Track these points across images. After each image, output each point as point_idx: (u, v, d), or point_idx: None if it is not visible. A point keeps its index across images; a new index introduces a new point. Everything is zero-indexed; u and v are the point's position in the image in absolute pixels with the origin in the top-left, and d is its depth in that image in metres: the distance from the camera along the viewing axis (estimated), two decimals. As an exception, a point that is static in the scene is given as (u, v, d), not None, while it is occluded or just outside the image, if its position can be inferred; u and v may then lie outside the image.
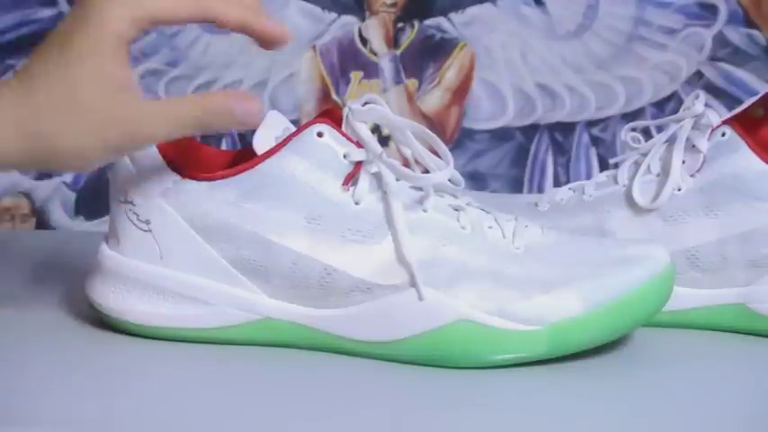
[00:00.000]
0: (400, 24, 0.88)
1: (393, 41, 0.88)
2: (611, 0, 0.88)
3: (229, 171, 0.50)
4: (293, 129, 0.51)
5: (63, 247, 0.77)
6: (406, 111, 0.87)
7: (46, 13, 0.91)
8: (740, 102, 0.71)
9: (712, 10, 0.88)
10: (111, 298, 0.52)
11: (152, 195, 0.51)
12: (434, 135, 0.51)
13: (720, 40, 0.88)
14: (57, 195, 0.89)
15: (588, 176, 0.88)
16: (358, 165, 0.50)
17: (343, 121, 0.50)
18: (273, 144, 0.50)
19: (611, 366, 0.51)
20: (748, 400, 0.47)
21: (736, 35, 0.88)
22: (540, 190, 0.89)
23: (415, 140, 0.51)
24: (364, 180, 0.50)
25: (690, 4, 0.88)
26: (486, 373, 0.48)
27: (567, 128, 0.89)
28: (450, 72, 0.88)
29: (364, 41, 0.88)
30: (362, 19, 0.88)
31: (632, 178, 0.59)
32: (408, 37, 0.88)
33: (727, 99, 0.87)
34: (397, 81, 0.88)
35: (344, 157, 0.50)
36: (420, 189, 0.51)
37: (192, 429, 0.41)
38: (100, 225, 0.91)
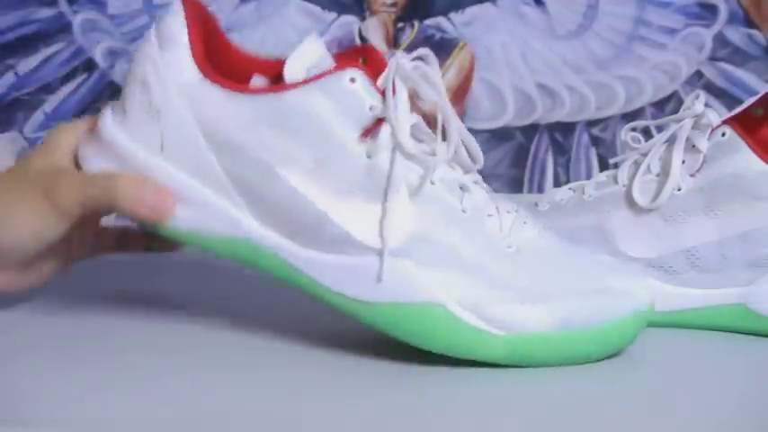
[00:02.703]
0: (400, 24, 0.88)
1: (393, 41, 0.88)
2: (611, 0, 0.89)
3: (253, 89, 0.49)
4: (329, 62, 0.49)
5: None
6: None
7: (46, 12, 0.91)
8: (740, 102, 0.71)
9: (712, 10, 0.88)
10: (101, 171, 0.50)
11: (170, 86, 0.49)
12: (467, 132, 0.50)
13: (720, 40, 0.88)
14: (57, 195, 0.89)
15: (588, 176, 0.88)
16: (380, 120, 0.48)
17: (386, 70, 0.49)
18: (304, 75, 0.49)
19: (610, 366, 0.51)
20: (748, 400, 0.47)
21: (737, 35, 0.88)
22: (540, 190, 0.89)
23: (454, 115, 0.49)
24: (383, 136, 0.48)
25: (690, 4, 0.88)
26: (485, 374, 0.48)
27: (567, 128, 0.89)
28: (450, 72, 0.88)
29: (364, 41, 0.88)
30: (362, 19, 0.88)
31: (632, 178, 0.59)
32: (408, 37, 0.88)
33: (727, 99, 0.87)
34: (397, 81, 0.88)
35: (370, 109, 0.48)
36: (433, 155, 0.49)
37: (192, 429, 0.41)
38: (100, 225, 0.91)
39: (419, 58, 0.49)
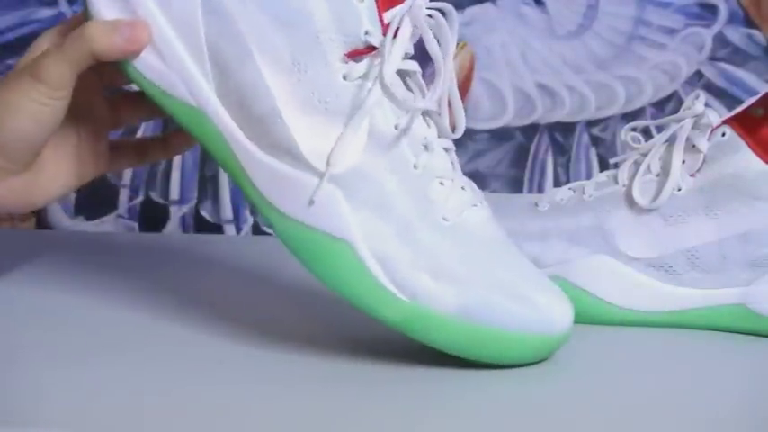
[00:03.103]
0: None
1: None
2: (611, 0, 0.89)
3: None
4: None
5: (63, 247, 0.77)
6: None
7: (46, 13, 0.91)
8: (740, 102, 0.71)
9: (712, 10, 0.88)
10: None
11: None
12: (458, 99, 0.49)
13: (720, 40, 0.88)
14: (57, 195, 0.89)
15: (588, 176, 0.88)
16: (370, 48, 0.48)
17: (399, 6, 0.48)
18: None
19: (610, 366, 0.51)
20: (748, 400, 0.47)
21: (736, 35, 0.88)
22: (540, 190, 0.89)
23: (452, 73, 0.49)
24: (366, 65, 0.48)
25: (690, 4, 0.88)
26: (481, 374, 0.48)
27: (567, 128, 0.89)
28: (450, 72, 0.88)
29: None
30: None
31: (632, 178, 0.59)
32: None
33: (728, 99, 0.88)
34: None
35: (365, 33, 0.48)
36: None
37: (192, 429, 0.41)
38: (100, 225, 0.91)
39: (440, 10, 0.48)
